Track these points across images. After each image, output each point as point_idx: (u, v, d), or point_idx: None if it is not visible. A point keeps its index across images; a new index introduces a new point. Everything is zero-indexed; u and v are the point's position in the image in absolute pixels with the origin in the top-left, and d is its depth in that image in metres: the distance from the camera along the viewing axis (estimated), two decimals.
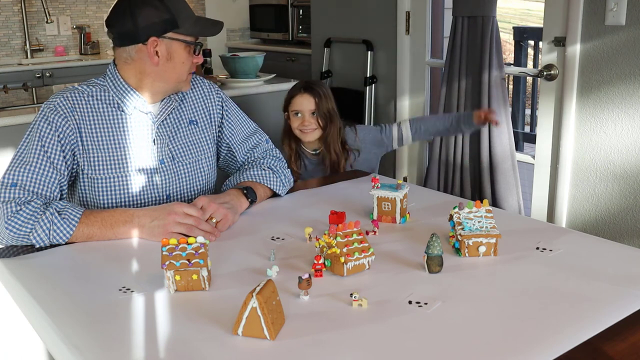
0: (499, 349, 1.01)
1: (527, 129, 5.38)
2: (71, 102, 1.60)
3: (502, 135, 2.83)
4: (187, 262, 1.20)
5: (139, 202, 1.67)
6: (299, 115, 2.30)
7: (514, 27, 6.07)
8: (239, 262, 1.36)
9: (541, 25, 2.72)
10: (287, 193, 1.82)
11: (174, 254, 1.21)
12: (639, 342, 1.05)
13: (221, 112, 1.83)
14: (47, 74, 4.29)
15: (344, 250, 1.26)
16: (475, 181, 2.98)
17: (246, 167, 1.82)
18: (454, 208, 1.40)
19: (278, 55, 4.66)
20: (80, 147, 1.60)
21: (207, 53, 3.31)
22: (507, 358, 0.98)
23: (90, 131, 1.61)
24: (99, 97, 1.64)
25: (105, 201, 1.64)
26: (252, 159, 1.84)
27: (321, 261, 1.28)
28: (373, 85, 3.53)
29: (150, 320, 1.12)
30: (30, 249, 1.46)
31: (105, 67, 1.70)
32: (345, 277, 1.27)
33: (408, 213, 1.60)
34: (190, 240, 1.23)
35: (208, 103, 1.81)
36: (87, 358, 1.01)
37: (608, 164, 2.49)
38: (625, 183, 2.45)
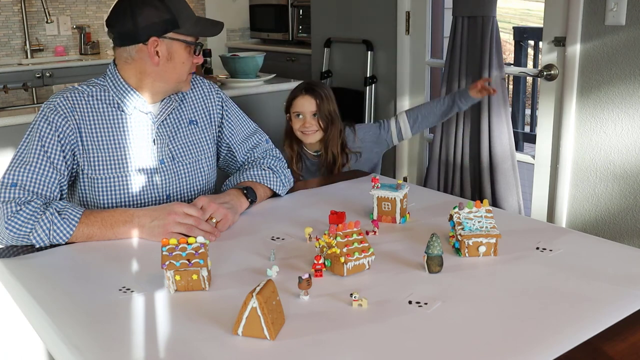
0: (499, 349, 1.01)
1: (527, 129, 5.38)
2: (71, 102, 1.60)
3: (502, 135, 2.83)
4: (187, 262, 1.20)
5: (139, 202, 1.67)
6: (300, 116, 2.31)
7: (514, 27, 6.07)
8: (239, 262, 1.36)
9: (541, 25, 2.72)
10: (287, 193, 1.82)
11: (174, 254, 1.21)
12: (639, 342, 1.05)
13: (221, 112, 1.83)
14: (47, 74, 4.29)
15: (344, 250, 1.26)
16: (475, 181, 2.98)
17: (246, 167, 1.82)
18: (454, 208, 1.40)
19: (278, 55, 4.66)
20: (80, 147, 1.60)
21: (207, 53, 3.31)
22: (507, 358, 0.98)
23: (90, 131, 1.61)
24: (99, 97, 1.64)
25: (105, 201, 1.64)
26: (252, 159, 1.84)
27: (321, 261, 1.28)
28: (373, 85, 3.53)
29: (150, 320, 1.12)
30: (30, 249, 1.46)
31: (105, 67, 1.70)
32: (345, 277, 1.27)
33: (408, 213, 1.60)
34: (190, 240, 1.23)
35: (208, 103, 1.81)
36: (87, 358, 1.01)
37: (608, 164, 2.49)
38: (625, 183, 2.45)
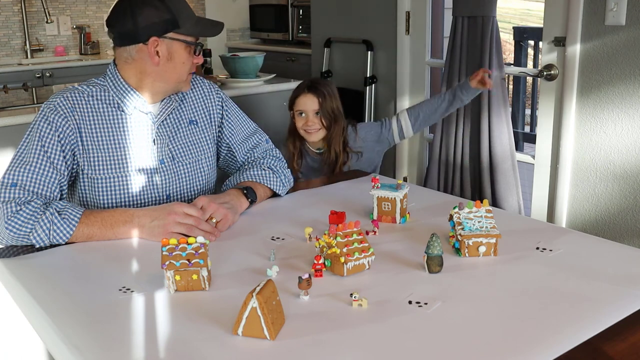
0: (499, 349, 1.01)
1: (527, 129, 5.38)
2: (71, 102, 1.60)
3: (502, 135, 2.83)
4: (187, 262, 1.20)
5: (139, 202, 1.67)
6: (303, 115, 2.30)
7: (514, 27, 6.07)
8: (239, 262, 1.36)
9: (541, 25, 2.72)
10: (287, 193, 1.82)
11: (174, 254, 1.21)
12: (639, 342, 1.05)
13: (221, 112, 1.83)
14: (47, 74, 4.29)
15: (344, 250, 1.26)
16: (475, 181, 2.98)
17: (246, 167, 1.82)
18: (454, 208, 1.40)
19: (278, 55, 4.66)
20: (80, 147, 1.60)
21: (207, 53, 3.31)
22: (507, 358, 0.98)
23: (90, 131, 1.61)
24: (99, 97, 1.64)
25: (105, 201, 1.64)
26: (252, 159, 1.84)
27: (321, 261, 1.28)
28: (373, 85, 3.53)
29: (150, 320, 1.12)
30: (30, 249, 1.46)
31: (105, 67, 1.70)
32: (345, 277, 1.27)
33: (408, 213, 1.60)
34: (190, 240, 1.23)
35: (208, 103, 1.81)
36: (87, 358, 1.01)
37: (608, 164, 2.49)
38: (625, 183, 2.45)
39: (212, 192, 1.83)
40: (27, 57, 4.68)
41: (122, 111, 1.65)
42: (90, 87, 1.65)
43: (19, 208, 1.45)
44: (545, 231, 1.52)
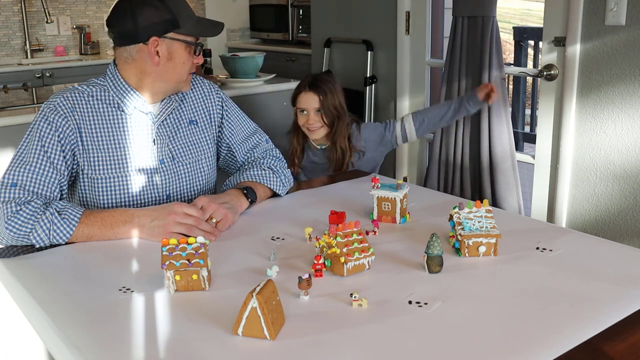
0: (499, 349, 1.01)
1: (527, 129, 5.38)
2: (71, 102, 1.60)
3: (502, 135, 2.83)
4: (187, 262, 1.20)
5: (139, 202, 1.67)
6: (305, 112, 2.31)
7: (514, 27, 6.07)
8: (239, 262, 1.36)
9: (541, 25, 2.72)
10: (287, 193, 1.82)
11: (174, 254, 1.21)
12: (639, 342, 1.05)
13: (221, 112, 1.83)
14: (47, 74, 4.29)
15: (344, 250, 1.26)
16: (475, 181, 2.98)
17: (246, 167, 1.82)
18: (454, 208, 1.40)
19: (278, 55, 4.66)
20: (80, 147, 1.60)
21: (207, 53, 3.31)
22: (507, 358, 0.98)
23: (90, 131, 1.61)
24: (99, 97, 1.64)
25: (105, 201, 1.64)
26: (252, 159, 1.84)
27: (321, 261, 1.28)
28: (373, 85, 3.53)
29: (150, 320, 1.12)
30: (30, 249, 1.46)
31: (105, 67, 1.70)
32: (345, 277, 1.27)
33: (408, 213, 1.60)
34: (190, 240, 1.23)
35: (208, 103, 1.81)
36: (87, 358, 1.01)
37: (608, 164, 2.49)
38: (625, 183, 2.45)
39: (212, 192, 1.83)
40: (27, 57, 4.68)
41: (122, 111, 1.65)
42: (90, 87, 1.65)
43: (19, 208, 1.45)
44: (545, 231, 1.52)
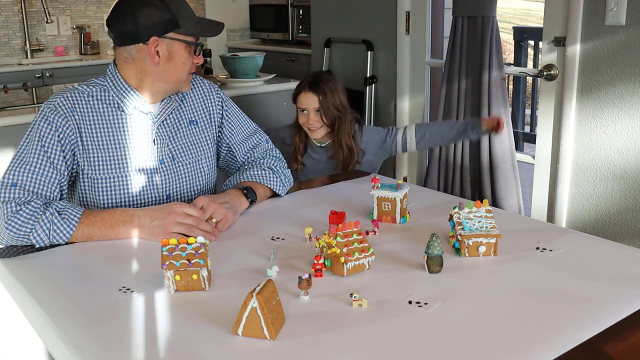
0: (499, 349, 1.01)
1: (527, 129, 5.38)
2: (71, 102, 1.60)
3: (502, 135, 2.83)
4: (187, 262, 1.20)
5: (139, 202, 1.67)
6: (305, 112, 2.31)
7: (514, 27, 6.07)
8: (239, 262, 1.36)
9: (541, 25, 2.72)
10: (287, 193, 1.82)
11: (174, 254, 1.21)
12: (639, 342, 1.05)
13: (221, 112, 1.83)
14: (47, 74, 4.29)
15: (344, 250, 1.26)
16: (475, 181, 2.98)
17: (246, 167, 1.82)
18: (454, 208, 1.40)
19: (278, 55, 4.66)
20: (80, 147, 1.60)
21: (207, 53, 3.31)
22: (507, 358, 0.98)
23: (90, 131, 1.61)
24: (99, 97, 1.64)
25: (105, 201, 1.64)
26: (252, 159, 1.84)
27: (321, 261, 1.28)
28: (373, 85, 3.53)
29: (150, 320, 1.12)
30: (30, 249, 1.46)
31: (105, 67, 1.70)
32: (345, 277, 1.27)
33: (408, 213, 1.60)
34: (190, 240, 1.23)
35: (208, 103, 1.81)
36: (87, 358, 1.01)
37: (608, 164, 2.49)
38: (625, 183, 2.45)
39: (212, 192, 1.83)
40: (27, 57, 4.68)
41: (122, 111, 1.65)
42: (90, 87, 1.65)
43: (19, 208, 1.45)
44: (545, 231, 1.52)
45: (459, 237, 1.35)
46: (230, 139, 1.83)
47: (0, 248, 1.48)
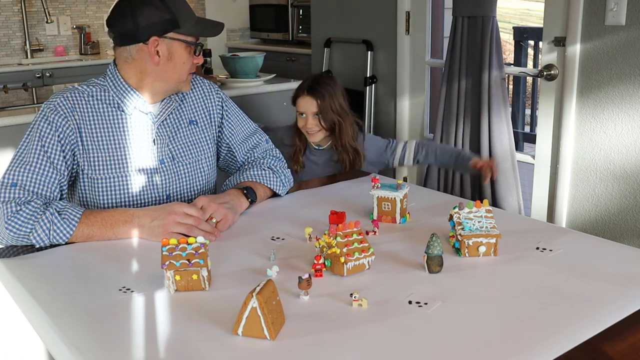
0: (499, 349, 1.01)
1: (527, 129, 5.38)
2: (71, 102, 1.60)
3: (502, 135, 2.83)
4: (187, 262, 1.20)
5: (139, 202, 1.67)
6: (304, 115, 2.31)
7: (514, 27, 6.07)
8: (239, 262, 1.36)
9: (541, 25, 2.72)
10: (287, 193, 1.82)
11: (174, 254, 1.21)
12: (639, 342, 1.05)
13: (221, 112, 1.83)
14: (47, 74, 4.29)
15: (344, 250, 1.26)
16: (475, 181, 2.98)
17: (246, 167, 1.82)
18: (454, 208, 1.40)
19: (278, 55, 4.66)
20: (80, 147, 1.60)
21: (207, 53, 3.31)
22: (507, 358, 0.98)
23: (90, 131, 1.61)
24: (99, 97, 1.64)
25: (105, 201, 1.64)
26: (252, 159, 1.85)
27: (321, 261, 1.28)
28: (373, 85, 3.53)
29: (150, 320, 1.12)
30: (30, 249, 1.46)
31: (105, 67, 1.70)
32: (345, 277, 1.27)
33: (408, 213, 1.60)
34: (190, 240, 1.23)
35: (208, 103, 1.81)
36: (87, 358, 1.01)
37: (608, 164, 2.49)
38: (625, 183, 2.45)
39: (212, 192, 1.83)
40: (27, 57, 4.68)
41: (122, 111, 1.65)
42: (90, 87, 1.65)
43: (19, 208, 1.45)
44: (545, 231, 1.52)
45: (459, 237, 1.35)
46: (230, 139, 1.83)
47: (0, 248, 1.48)
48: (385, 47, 3.43)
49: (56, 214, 1.45)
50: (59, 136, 1.56)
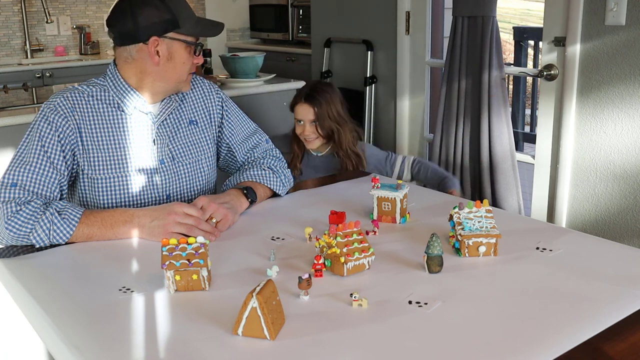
0: (499, 349, 1.01)
1: (527, 129, 5.38)
2: (71, 102, 1.60)
3: (502, 135, 2.83)
4: (187, 262, 1.20)
5: (139, 202, 1.67)
6: (301, 122, 2.32)
7: (514, 27, 6.07)
8: (239, 262, 1.36)
9: (541, 25, 2.72)
10: (287, 193, 1.82)
11: (174, 254, 1.21)
12: (639, 342, 1.05)
13: (221, 112, 1.83)
14: (47, 74, 4.29)
15: (344, 250, 1.26)
16: (475, 181, 2.98)
17: (246, 167, 1.82)
18: (454, 208, 1.40)
19: (278, 55, 4.66)
20: (80, 147, 1.60)
21: (207, 53, 3.31)
22: (507, 358, 0.98)
23: (90, 131, 1.61)
24: (99, 97, 1.64)
25: (105, 201, 1.64)
26: (252, 159, 1.84)
27: (321, 261, 1.28)
28: (373, 85, 3.53)
29: (150, 320, 1.12)
30: (30, 249, 1.46)
31: (105, 67, 1.70)
32: (345, 277, 1.27)
33: (408, 213, 1.60)
34: (190, 240, 1.23)
35: (208, 103, 1.81)
36: (87, 358, 1.01)
37: (608, 164, 2.49)
38: (625, 183, 2.45)
39: (212, 192, 1.83)
40: (27, 57, 4.68)
41: (122, 111, 1.65)
42: (90, 87, 1.65)
43: (19, 208, 1.45)
44: (545, 231, 1.52)
45: (459, 237, 1.35)
46: (230, 139, 1.83)
47: (0, 248, 1.48)
48: (385, 47, 3.43)
49: (56, 214, 1.45)
50: (59, 136, 1.56)
